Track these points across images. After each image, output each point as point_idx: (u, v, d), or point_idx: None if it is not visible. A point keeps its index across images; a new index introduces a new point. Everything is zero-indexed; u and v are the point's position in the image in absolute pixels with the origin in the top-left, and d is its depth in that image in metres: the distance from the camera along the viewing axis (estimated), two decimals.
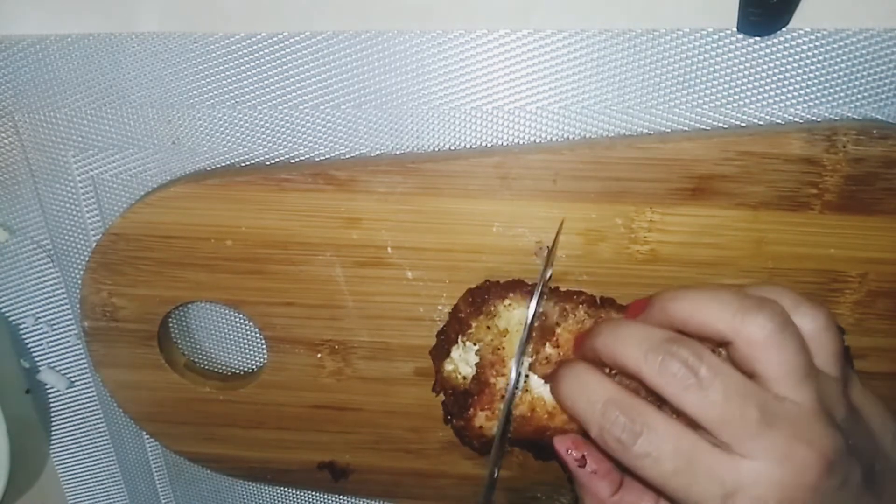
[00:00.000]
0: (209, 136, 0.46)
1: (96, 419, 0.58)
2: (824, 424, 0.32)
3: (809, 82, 0.41)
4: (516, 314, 0.44)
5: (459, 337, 0.45)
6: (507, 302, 0.44)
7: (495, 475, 0.47)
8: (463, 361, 0.45)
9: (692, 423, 0.33)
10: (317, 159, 0.46)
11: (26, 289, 0.53)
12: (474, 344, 0.44)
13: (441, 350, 0.46)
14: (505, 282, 0.45)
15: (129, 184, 0.48)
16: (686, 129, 0.43)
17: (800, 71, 0.41)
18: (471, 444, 0.47)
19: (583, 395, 0.35)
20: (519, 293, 0.44)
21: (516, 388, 0.42)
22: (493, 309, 0.44)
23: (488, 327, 0.44)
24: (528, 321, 0.40)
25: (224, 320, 0.53)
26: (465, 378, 0.45)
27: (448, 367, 0.45)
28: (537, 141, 0.44)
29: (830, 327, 0.35)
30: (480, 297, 0.45)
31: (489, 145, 0.45)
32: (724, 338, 0.33)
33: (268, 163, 0.47)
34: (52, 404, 0.58)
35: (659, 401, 0.34)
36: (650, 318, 0.36)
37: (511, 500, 0.53)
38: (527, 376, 0.43)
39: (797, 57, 0.41)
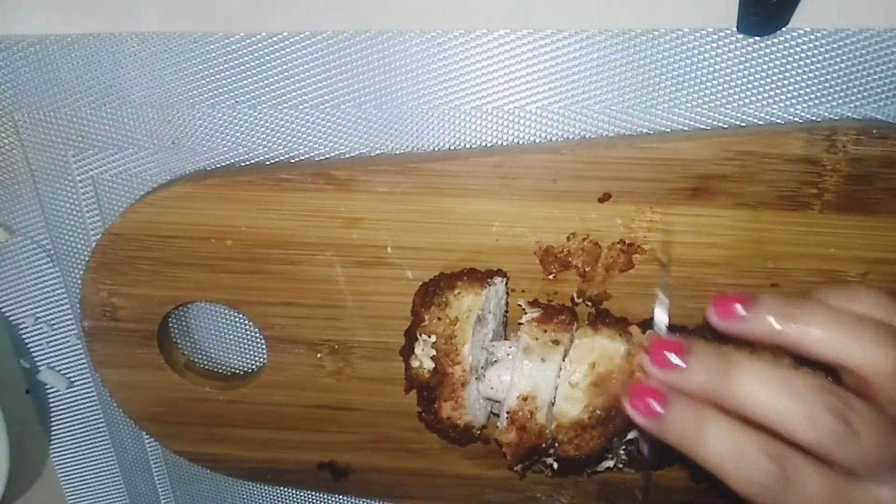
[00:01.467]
0: (209, 136, 0.46)
1: (96, 419, 0.58)
2: None
3: (809, 82, 0.41)
4: (465, 302, 0.44)
5: (418, 332, 0.45)
6: (456, 291, 0.45)
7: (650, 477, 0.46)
8: (425, 356, 0.44)
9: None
10: (317, 159, 0.46)
11: (26, 289, 0.53)
12: (429, 336, 0.44)
13: (408, 348, 0.46)
14: (455, 271, 0.45)
15: (129, 184, 0.48)
16: (686, 129, 0.43)
17: (800, 71, 0.41)
18: (448, 435, 0.46)
19: (728, 449, 0.32)
20: (467, 280, 0.45)
21: None
22: (444, 299, 0.45)
23: (439, 318, 0.44)
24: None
25: (224, 320, 0.53)
26: (429, 372, 0.45)
27: (414, 363, 0.45)
28: (537, 141, 0.44)
29: None
30: (432, 290, 0.45)
31: (489, 145, 0.45)
32: (844, 367, 0.33)
33: (268, 163, 0.47)
34: (51, 404, 0.58)
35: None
36: (754, 329, 0.33)
37: (511, 500, 0.53)
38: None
39: (797, 57, 0.41)
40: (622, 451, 0.45)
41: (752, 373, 0.32)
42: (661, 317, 0.38)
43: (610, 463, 0.46)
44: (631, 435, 0.44)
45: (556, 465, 0.45)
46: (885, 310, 0.34)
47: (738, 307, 0.33)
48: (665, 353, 0.33)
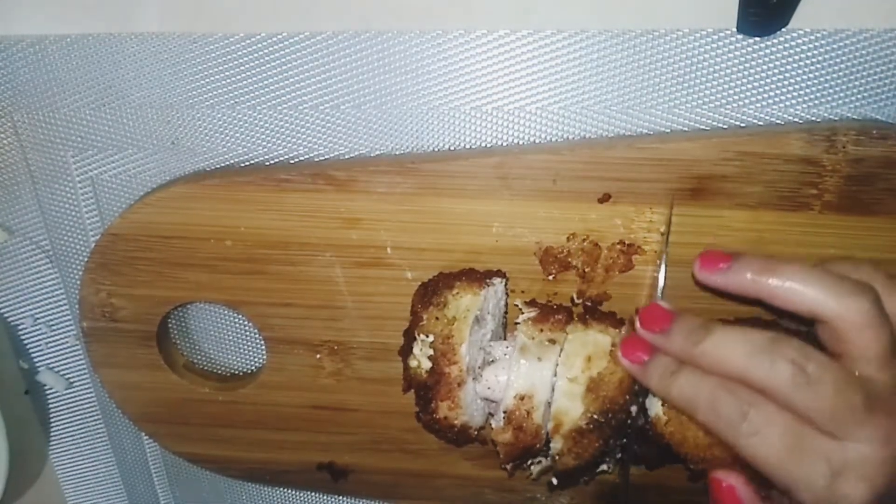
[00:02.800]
0: (209, 136, 0.46)
1: (95, 420, 0.58)
2: None
3: (809, 82, 0.41)
4: (464, 301, 0.44)
5: (416, 331, 0.45)
6: (454, 291, 0.44)
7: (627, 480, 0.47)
8: (424, 356, 0.44)
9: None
10: (316, 159, 0.46)
11: (25, 289, 0.53)
12: (427, 336, 0.44)
13: (406, 348, 0.46)
14: (455, 271, 0.45)
15: (129, 184, 0.48)
16: (686, 129, 0.43)
17: (800, 71, 0.41)
18: (445, 437, 0.46)
19: (692, 388, 0.36)
20: (466, 280, 0.45)
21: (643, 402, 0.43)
22: (442, 299, 0.44)
23: (437, 318, 0.44)
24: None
25: (223, 321, 0.53)
26: (426, 372, 0.45)
27: (412, 363, 0.45)
28: (537, 141, 0.44)
29: None
30: (431, 289, 0.45)
31: (489, 145, 0.45)
32: (818, 317, 0.34)
33: (268, 163, 0.47)
34: (50, 405, 0.58)
35: None
36: (734, 281, 0.36)
37: (510, 501, 0.53)
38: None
39: (797, 57, 0.41)
40: (619, 455, 0.45)
41: (720, 334, 0.35)
42: (660, 283, 0.41)
43: (605, 467, 0.46)
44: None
45: (555, 481, 0.45)
46: (881, 284, 0.35)
47: (721, 262, 0.37)
48: (652, 317, 0.37)
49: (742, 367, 0.34)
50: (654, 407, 0.43)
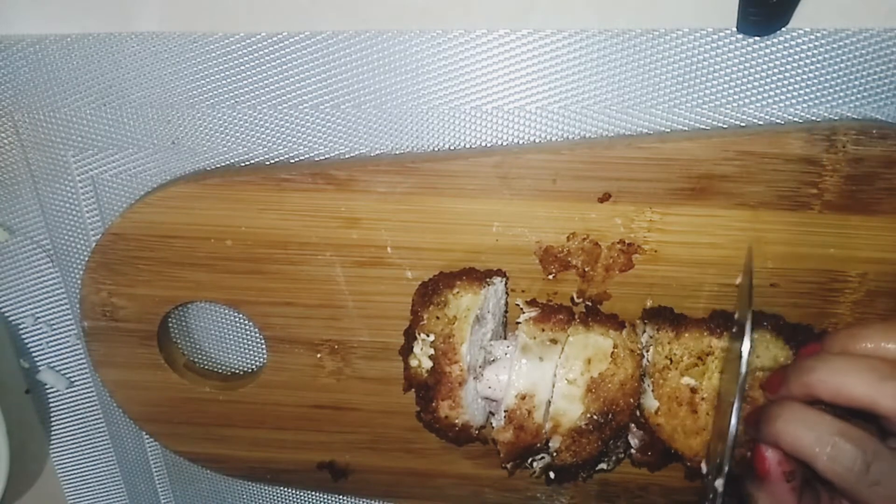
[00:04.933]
0: (209, 136, 0.46)
1: (96, 419, 0.58)
2: None
3: (809, 82, 0.41)
4: (464, 301, 0.44)
5: (417, 330, 0.45)
6: (455, 290, 0.44)
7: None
8: (424, 355, 0.44)
9: None
10: (316, 159, 0.46)
11: (26, 289, 0.53)
12: (427, 335, 0.44)
13: (407, 347, 0.46)
14: (455, 271, 0.45)
15: (129, 184, 0.48)
16: (686, 129, 0.43)
17: (800, 71, 0.41)
18: (446, 436, 0.46)
19: (808, 431, 0.35)
20: (466, 280, 0.45)
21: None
22: (442, 298, 0.44)
23: (438, 317, 0.44)
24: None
25: (224, 320, 0.53)
26: (427, 371, 0.45)
27: (413, 362, 0.45)
28: (537, 141, 0.44)
29: None
30: (431, 289, 0.45)
31: (489, 145, 0.45)
32: (871, 410, 0.34)
33: (268, 163, 0.47)
34: (51, 404, 0.58)
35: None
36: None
37: (510, 500, 0.53)
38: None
39: (797, 57, 0.41)
40: (621, 454, 0.45)
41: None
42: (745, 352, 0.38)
43: (605, 465, 0.46)
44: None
45: (552, 475, 0.45)
46: None
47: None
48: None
49: (808, 452, 0.34)
50: (647, 399, 0.43)
